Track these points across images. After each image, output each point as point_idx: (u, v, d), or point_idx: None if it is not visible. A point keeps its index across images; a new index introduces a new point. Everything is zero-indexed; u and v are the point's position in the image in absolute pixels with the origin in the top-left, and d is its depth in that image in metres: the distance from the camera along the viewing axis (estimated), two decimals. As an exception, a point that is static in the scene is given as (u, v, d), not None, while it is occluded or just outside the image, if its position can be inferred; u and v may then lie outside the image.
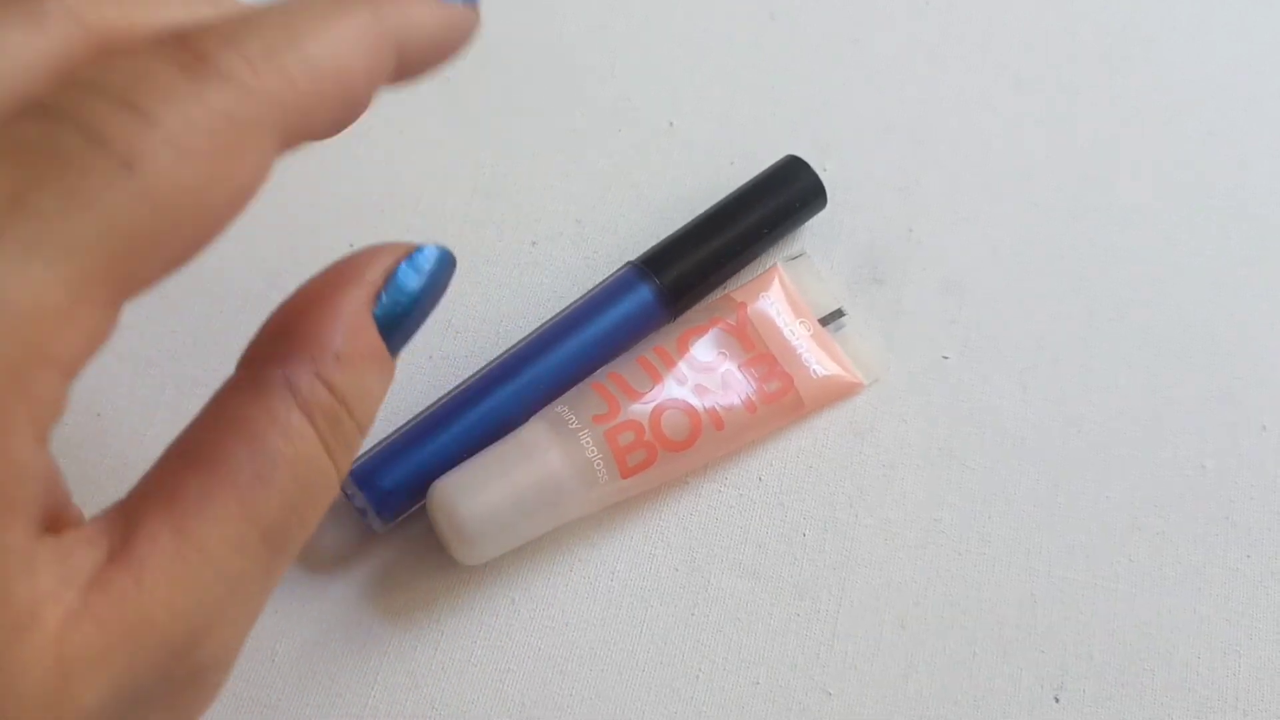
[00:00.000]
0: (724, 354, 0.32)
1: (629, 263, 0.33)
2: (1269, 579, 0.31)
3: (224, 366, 0.19)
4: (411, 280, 0.20)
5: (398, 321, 0.20)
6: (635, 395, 0.31)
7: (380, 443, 0.31)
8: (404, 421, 0.32)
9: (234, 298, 0.34)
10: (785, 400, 0.32)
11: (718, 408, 0.31)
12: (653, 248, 0.34)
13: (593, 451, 0.29)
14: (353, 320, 0.19)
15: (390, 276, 0.20)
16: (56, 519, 0.17)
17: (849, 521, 0.32)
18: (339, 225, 0.35)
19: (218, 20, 0.17)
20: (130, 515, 0.17)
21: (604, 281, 0.33)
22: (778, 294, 0.34)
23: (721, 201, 0.35)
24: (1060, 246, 0.36)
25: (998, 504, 0.32)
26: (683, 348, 0.32)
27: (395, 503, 0.30)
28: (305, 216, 0.35)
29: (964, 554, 0.32)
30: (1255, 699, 0.30)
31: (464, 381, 0.32)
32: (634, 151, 0.37)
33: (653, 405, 0.30)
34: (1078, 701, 0.30)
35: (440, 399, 0.32)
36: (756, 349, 0.32)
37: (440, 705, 0.29)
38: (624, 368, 0.31)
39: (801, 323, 0.33)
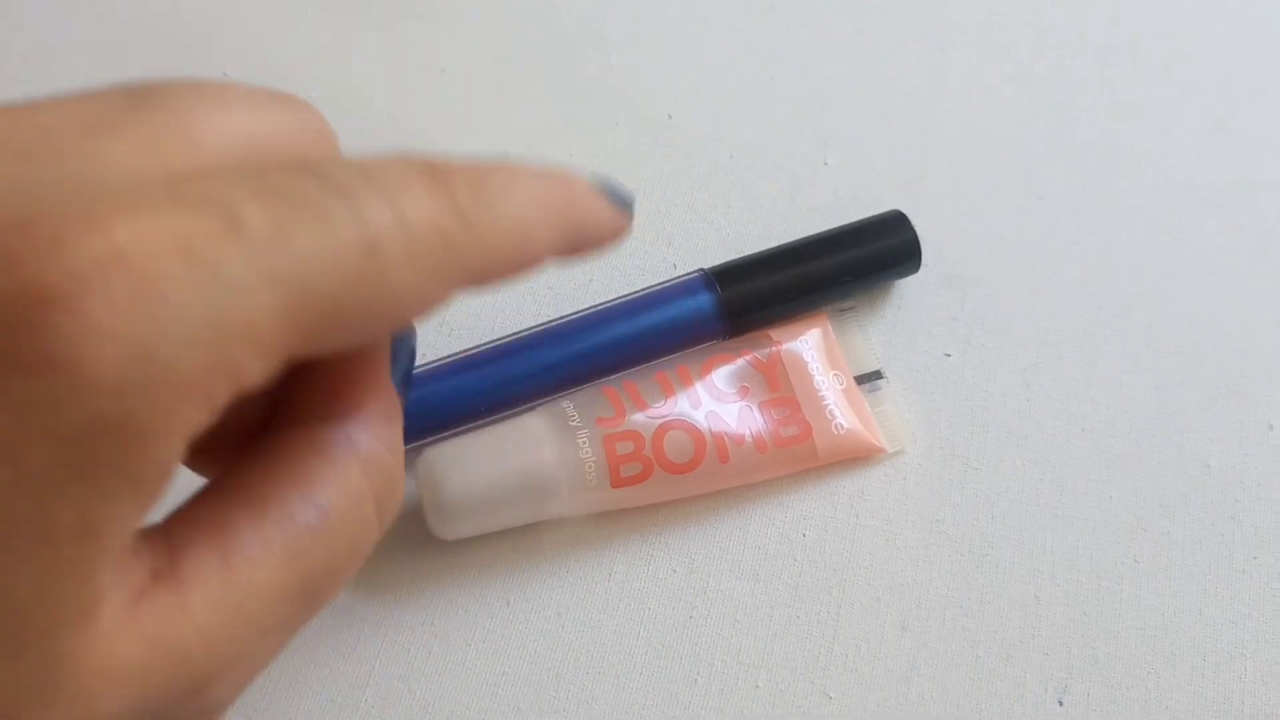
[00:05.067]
0: (746, 387, 0.31)
1: (701, 269, 0.33)
2: (1275, 580, 0.31)
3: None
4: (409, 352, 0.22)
5: (402, 385, 0.22)
6: (644, 406, 0.30)
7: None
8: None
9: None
10: (799, 448, 0.31)
11: (726, 438, 0.30)
12: (729, 261, 0.33)
13: (587, 452, 0.29)
14: (389, 386, 0.20)
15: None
16: None
17: (849, 522, 0.31)
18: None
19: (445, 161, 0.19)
20: (173, 539, 0.17)
21: (671, 279, 0.33)
22: (816, 341, 0.33)
23: (812, 238, 0.34)
24: (1064, 242, 0.36)
25: (1000, 504, 0.32)
26: (705, 371, 0.31)
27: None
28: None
29: (966, 555, 0.31)
30: (1261, 702, 0.30)
31: (500, 339, 0.32)
32: (632, 144, 0.37)
33: (659, 420, 0.30)
34: (1082, 704, 0.29)
35: (476, 347, 0.31)
36: (781, 391, 0.31)
37: (434, 709, 0.29)
38: (639, 378, 0.31)
39: (835, 375, 0.32)
